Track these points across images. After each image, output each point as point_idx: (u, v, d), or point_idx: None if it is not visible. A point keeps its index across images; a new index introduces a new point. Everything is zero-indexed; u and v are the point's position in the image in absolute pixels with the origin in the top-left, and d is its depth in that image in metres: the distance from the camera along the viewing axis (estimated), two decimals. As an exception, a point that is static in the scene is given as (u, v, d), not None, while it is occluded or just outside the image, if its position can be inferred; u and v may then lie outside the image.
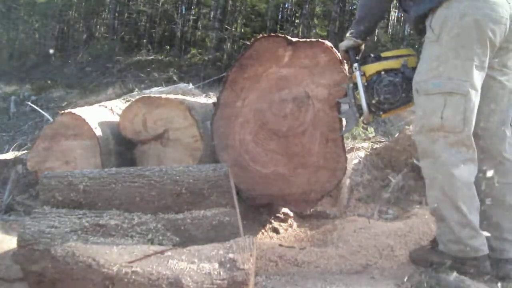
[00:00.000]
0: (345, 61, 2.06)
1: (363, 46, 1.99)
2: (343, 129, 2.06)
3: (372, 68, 1.89)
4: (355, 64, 1.91)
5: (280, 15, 13.90)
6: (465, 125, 1.60)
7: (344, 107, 2.03)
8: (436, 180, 1.66)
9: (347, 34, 1.99)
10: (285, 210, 2.51)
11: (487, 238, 1.68)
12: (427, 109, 1.65)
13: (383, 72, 1.86)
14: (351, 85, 1.96)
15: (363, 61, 1.93)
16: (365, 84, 1.88)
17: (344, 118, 2.03)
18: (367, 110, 1.88)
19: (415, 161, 3.03)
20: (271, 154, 2.16)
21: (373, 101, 1.87)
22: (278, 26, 13.15)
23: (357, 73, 1.89)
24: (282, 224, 2.45)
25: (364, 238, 2.14)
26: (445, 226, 1.68)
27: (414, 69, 1.83)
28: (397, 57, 1.89)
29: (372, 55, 1.94)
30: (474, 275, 1.64)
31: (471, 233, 1.63)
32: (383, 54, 1.93)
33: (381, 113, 1.92)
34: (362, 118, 1.93)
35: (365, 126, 3.52)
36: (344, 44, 1.99)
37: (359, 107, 1.91)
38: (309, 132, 2.11)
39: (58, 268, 1.24)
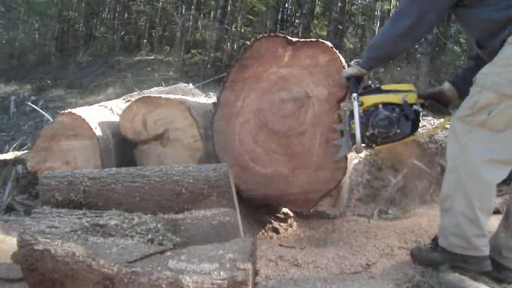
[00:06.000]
0: (346, 88, 2.02)
1: (366, 76, 1.94)
2: (336, 154, 2.03)
3: (370, 99, 1.87)
4: (354, 94, 1.87)
5: (280, 15, 13.89)
6: (507, 128, 1.57)
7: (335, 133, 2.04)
8: (458, 169, 1.64)
9: (352, 62, 1.94)
10: (285, 210, 2.51)
11: (500, 244, 1.68)
12: (479, 102, 1.59)
13: (380, 105, 1.85)
14: (348, 112, 1.94)
15: (363, 91, 1.90)
16: (362, 114, 1.86)
17: (337, 144, 2.02)
18: (360, 141, 1.86)
19: (415, 161, 3.04)
20: (271, 154, 2.16)
21: (367, 133, 1.85)
22: (278, 26, 13.15)
23: (355, 103, 1.86)
24: (282, 224, 2.45)
25: (364, 238, 2.14)
26: (451, 217, 1.66)
27: (412, 105, 1.82)
28: (397, 91, 1.87)
29: (372, 86, 1.92)
30: (474, 274, 1.64)
31: (477, 232, 1.62)
32: (383, 87, 1.90)
33: (373, 145, 1.90)
34: (354, 147, 1.91)
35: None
36: (347, 72, 1.93)
37: (353, 136, 1.89)
38: (309, 132, 2.11)
39: (58, 268, 1.24)
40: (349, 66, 1.99)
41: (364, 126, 1.85)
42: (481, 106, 1.58)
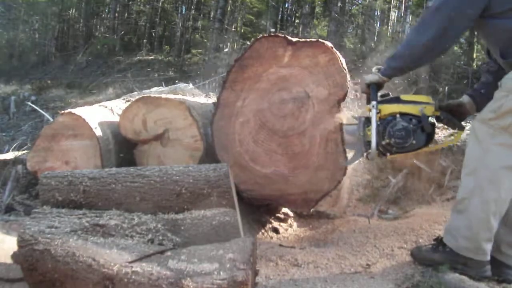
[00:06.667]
0: (364, 94, 1.99)
1: (385, 84, 1.92)
2: (348, 159, 2.03)
3: (389, 108, 1.87)
4: (374, 102, 1.86)
5: (280, 15, 13.89)
6: None
7: (348, 137, 2.03)
8: (478, 172, 1.62)
9: (374, 69, 1.92)
10: (285, 210, 2.51)
11: (499, 240, 1.67)
12: (505, 106, 1.58)
13: (398, 115, 1.85)
14: (363, 119, 1.94)
15: (382, 99, 1.89)
16: (378, 123, 1.85)
17: (350, 149, 2.01)
18: (375, 150, 1.85)
19: (415, 161, 3.04)
20: (271, 154, 2.16)
21: (383, 142, 1.85)
22: (278, 26, 13.15)
23: (374, 111, 1.85)
24: (282, 224, 2.45)
25: (364, 238, 2.14)
26: (465, 220, 1.65)
27: (429, 117, 1.82)
28: (416, 103, 1.87)
29: (390, 95, 1.92)
30: (474, 277, 1.64)
31: (488, 236, 1.62)
32: (402, 97, 1.90)
33: (388, 154, 1.89)
34: (368, 155, 1.90)
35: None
36: (368, 78, 1.90)
37: (368, 144, 1.88)
38: (309, 132, 2.11)
39: (58, 268, 1.24)
40: (370, 72, 1.95)
41: (380, 134, 1.85)
42: (506, 111, 1.57)
